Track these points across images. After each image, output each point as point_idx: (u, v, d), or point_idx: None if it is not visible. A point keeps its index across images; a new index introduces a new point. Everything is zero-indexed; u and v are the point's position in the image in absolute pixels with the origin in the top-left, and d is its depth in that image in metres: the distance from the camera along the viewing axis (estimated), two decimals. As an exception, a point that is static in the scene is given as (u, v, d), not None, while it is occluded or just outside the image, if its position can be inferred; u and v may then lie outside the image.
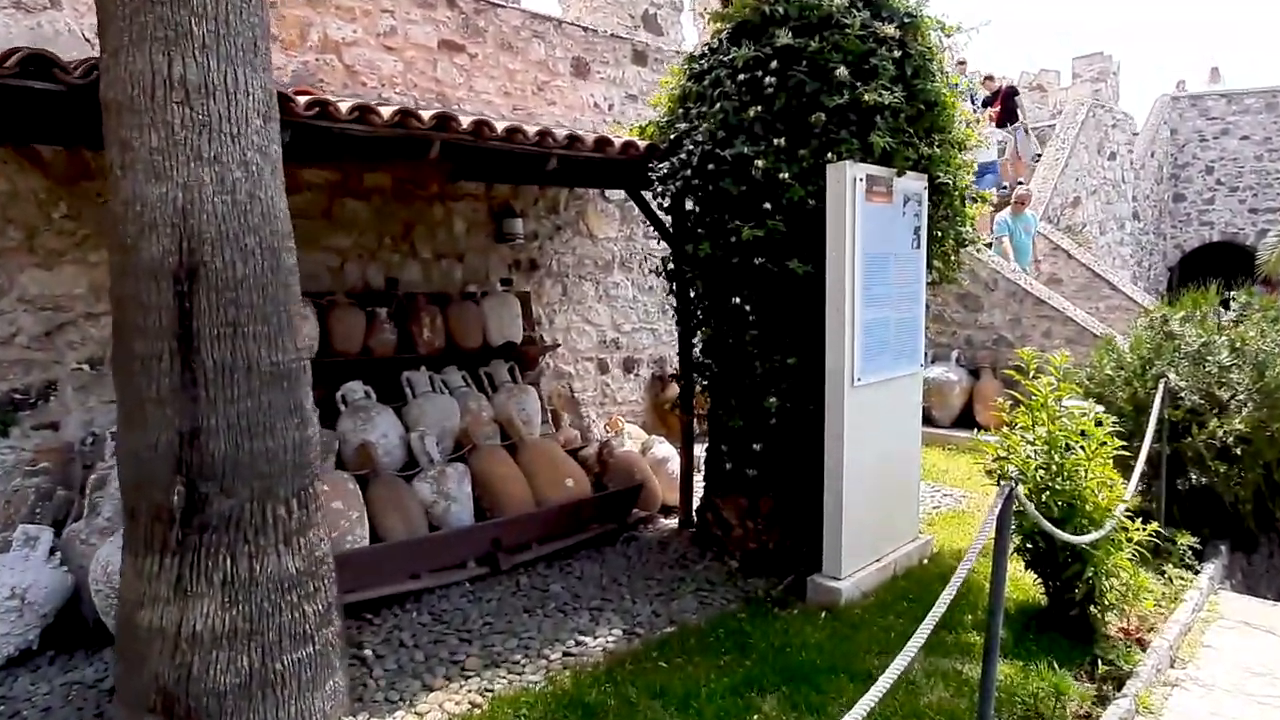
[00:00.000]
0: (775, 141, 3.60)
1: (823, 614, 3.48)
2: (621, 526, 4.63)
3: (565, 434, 5.65)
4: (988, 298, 7.53)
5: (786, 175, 3.56)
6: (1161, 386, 4.21)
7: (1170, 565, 3.93)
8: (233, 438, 2.29)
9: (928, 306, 4.42)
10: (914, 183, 3.87)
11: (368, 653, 3.18)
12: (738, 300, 3.80)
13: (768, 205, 3.63)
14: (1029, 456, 3.26)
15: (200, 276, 2.24)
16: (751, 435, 3.96)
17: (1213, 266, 11.73)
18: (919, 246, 3.97)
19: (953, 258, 4.33)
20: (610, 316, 6.72)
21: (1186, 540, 3.98)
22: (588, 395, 6.57)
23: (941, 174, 3.94)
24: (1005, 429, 3.47)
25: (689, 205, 4.07)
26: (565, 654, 3.19)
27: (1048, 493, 3.16)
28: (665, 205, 4.15)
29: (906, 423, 4.04)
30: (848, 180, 3.47)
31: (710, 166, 3.73)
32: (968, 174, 4.23)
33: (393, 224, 5.35)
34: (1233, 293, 5.17)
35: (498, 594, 3.80)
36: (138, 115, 2.20)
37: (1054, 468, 3.21)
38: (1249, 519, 4.18)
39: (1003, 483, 2.30)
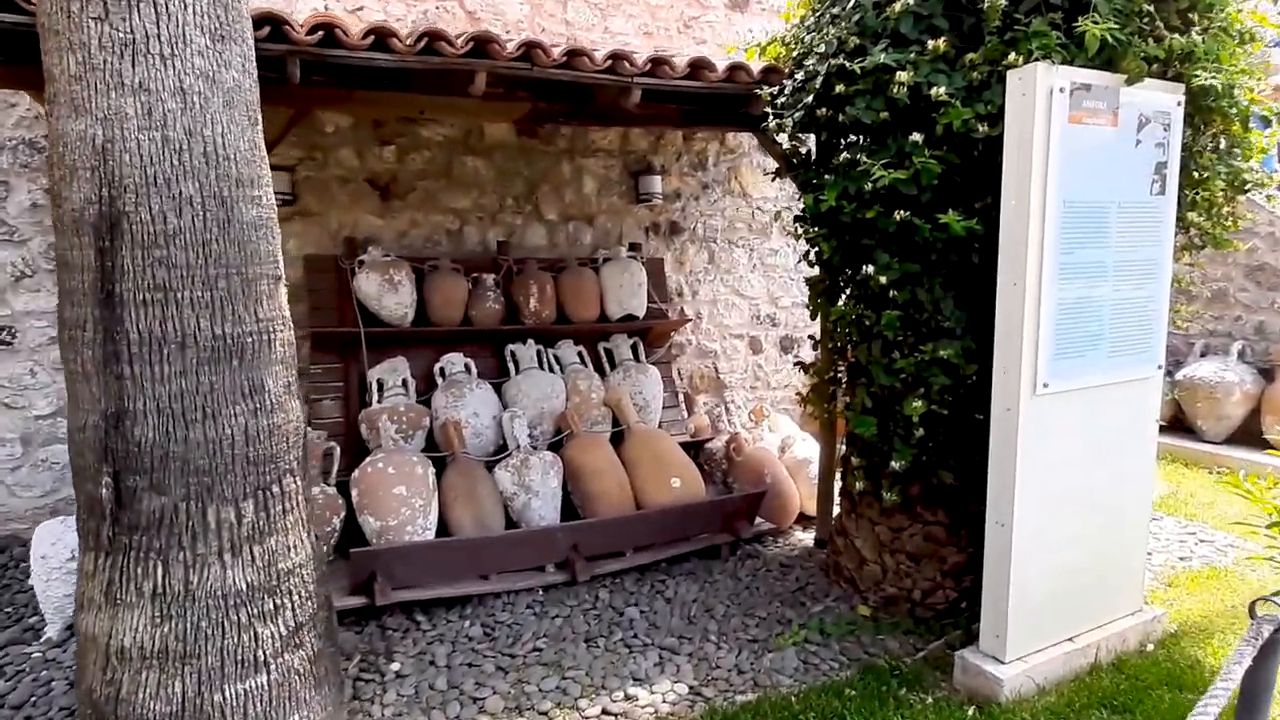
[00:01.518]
0: (929, 44, 2.56)
1: (971, 710, 2.49)
2: (738, 539, 3.86)
3: (696, 422, 4.95)
4: (1294, 270, 5.52)
5: (943, 92, 2.52)
6: None
7: None
8: (163, 424, 1.92)
9: (1178, 280, 3.08)
10: (1157, 95, 2.61)
11: (394, 667, 2.79)
12: (870, 269, 2.83)
13: (915, 137, 2.61)
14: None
15: (123, 230, 1.87)
16: (889, 448, 2.99)
17: None
18: (1163, 191, 2.69)
19: (1225, 209, 2.94)
20: (766, 288, 5.85)
21: None
22: (735, 378, 5.80)
23: (1206, 78, 2.61)
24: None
25: (811, 143, 3.13)
26: (604, 711, 2.55)
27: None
28: (785, 145, 3.25)
29: (1131, 447, 2.81)
30: (1039, 91, 2.37)
31: (838, 87, 2.77)
32: (1255, 81, 2.82)
33: (515, 183, 4.95)
34: None
35: (566, 610, 3.25)
36: (57, 37, 1.86)
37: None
38: None
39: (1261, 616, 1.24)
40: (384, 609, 3.13)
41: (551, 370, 4.44)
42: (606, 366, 4.65)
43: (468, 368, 4.24)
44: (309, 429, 3.89)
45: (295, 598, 2.16)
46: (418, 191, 4.71)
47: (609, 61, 2.93)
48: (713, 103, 3.60)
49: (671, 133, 5.40)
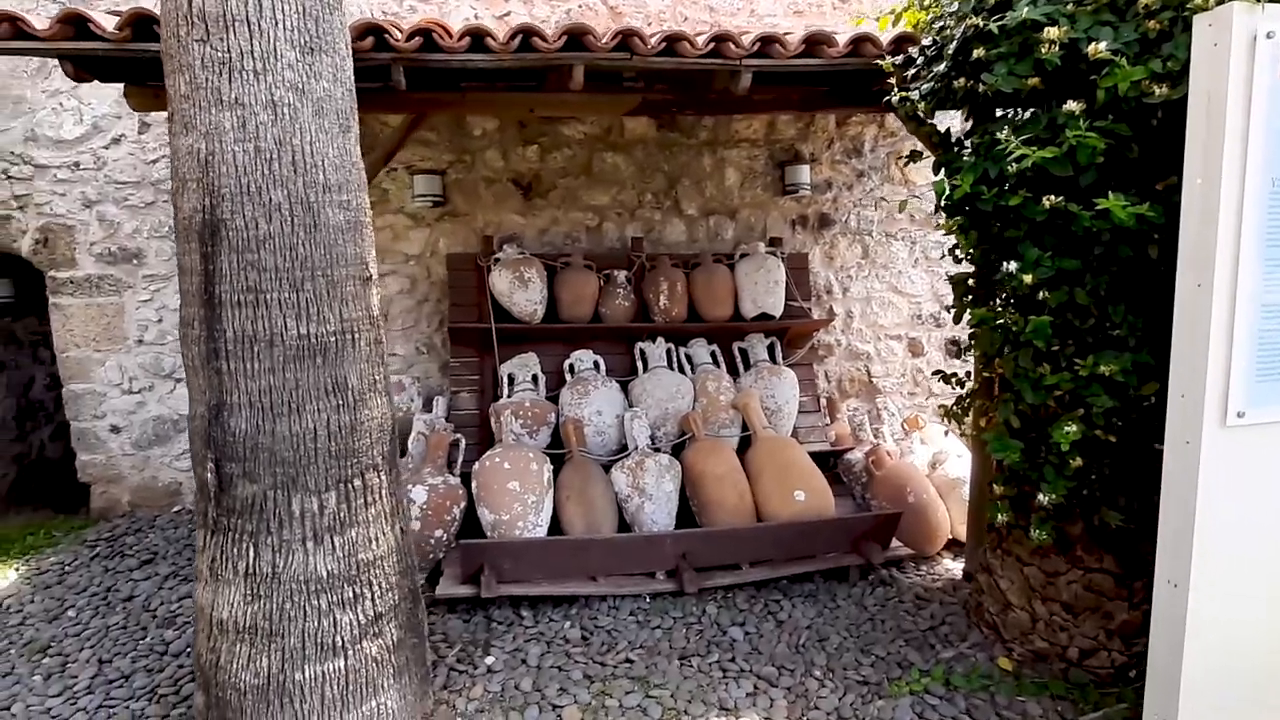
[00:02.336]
0: (1089, -9, 2.10)
1: (1119, 804, 2.04)
2: (869, 563, 3.51)
3: (837, 430, 4.60)
4: None
5: (1106, 48, 2.05)
6: None
7: None
8: (253, 417, 2.06)
9: None
10: None
11: (489, 660, 2.83)
12: (1014, 267, 2.40)
13: (1071, 106, 2.16)
14: None
15: (221, 236, 2.01)
16: (1036, 477, 2.53)
17: None
18: None
19: None
20: (930, 285, 5.29)
21: None
22: (890, 382, 5.32)
23: None
24: None
25: (954, 122, 2.72)
26: (679, 739, 2.40)
27: None
28: (921, 123, 2.84)
29: (1377, 496, 2.15)
30: (1237, 38, 1.85)
31: (976, 51, 2.37)
32: None
33: (655, 178, 4.87)
34: None
35: (669, 622, 3.13)
36: (171, 60, 2.04)
37: None
38: None
39: None
40: (491, 601, 3.20)
41: (681, 370, 4.32)
42: (740, 367, 4.45)
43: (596, 365, 4.24)
44: (446, 422, 4.10)
45: (375, 588, 2.23)
46: (558, 189, 4.79)
47: (712, 44, 2.74)
48: (842, 81, 3.25)
49: (823, 118, 5.04)
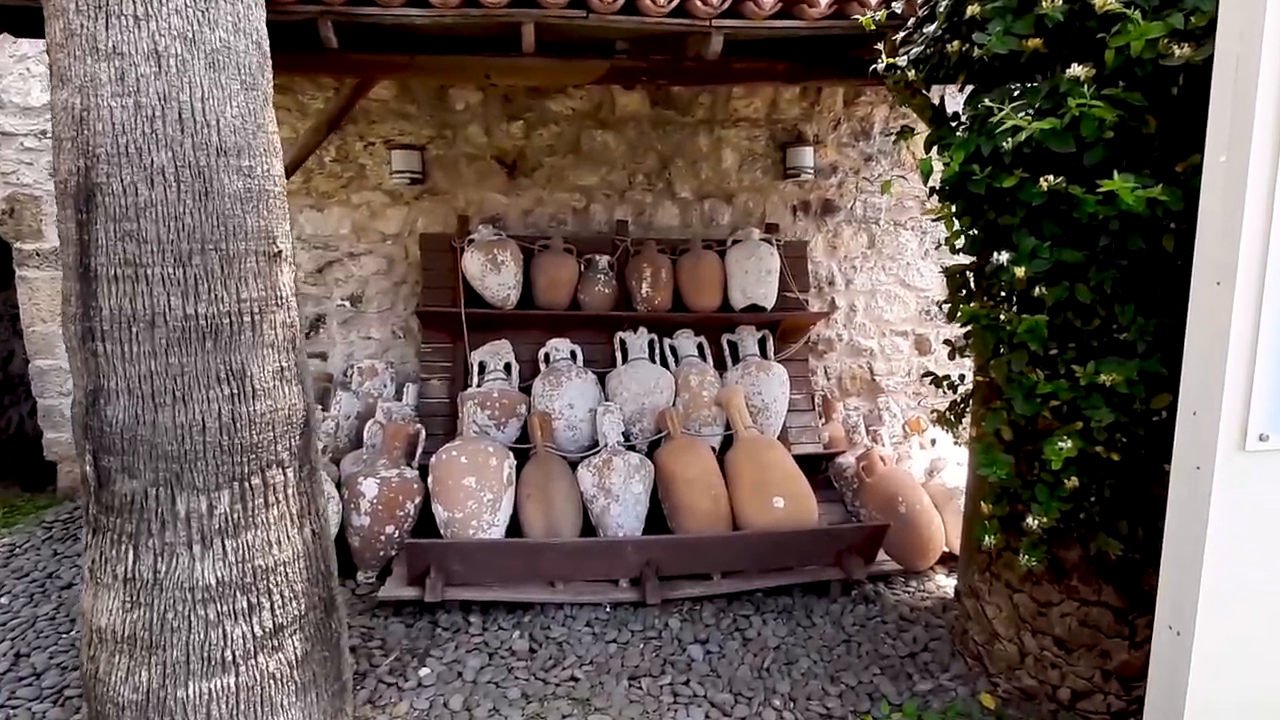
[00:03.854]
0: (1103, -67, 1.79)
1: None
2: (851, 578, 3.23)
3: (832, 431, 4.31)
4: None
5: (1116, 0, 1.74)
6: None
7: None
8: (132, 405, 1.85)
9: None
10: None
11: (423, 673, 2.62)
12: (1006, 258, 2.10)
13: (1076, 70, 1.86)
14: None
15: (97, 202, 1.80)
16: (1028, 496, 2.24)
17: None
18: None
19: None
20: (940, 278, 4.95)
21: None
22: (894, 381, 5.00)
23: None
24: None
25: (949, 93, 2.41)
26: (611, 774, 2.17)
27: None
28: (914, 94, 2.53)
29: None
30: (1277, -12, 1.53)
31: (969, 9, 2.06)
32: None
33: (647, 158, 4.60)
34: None
35: (627, 635, 2.89)
36: (48, 3, 1.82)
37: None
38: None
39: None
40: (440, 605, 2.99)
41: (665, 363, 4.07)
42: (728, 361, 4.17)
43: (574, 355, 4.00)
44: (413, 410, 3.89)
45: (276, 597, 2.02)
46: (544, 168, 4.54)
47: (677, 1, 2.45)
48: (829, 48, 2.94)
49: (830, 96, 4.72)
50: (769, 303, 4.18)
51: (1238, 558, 1.71)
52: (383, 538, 3.21)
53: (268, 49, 2.04)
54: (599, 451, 3.47)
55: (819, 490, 3.82)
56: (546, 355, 4.00)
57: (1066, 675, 2.36)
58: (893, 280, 4.93)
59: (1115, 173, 1.80)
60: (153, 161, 1.80)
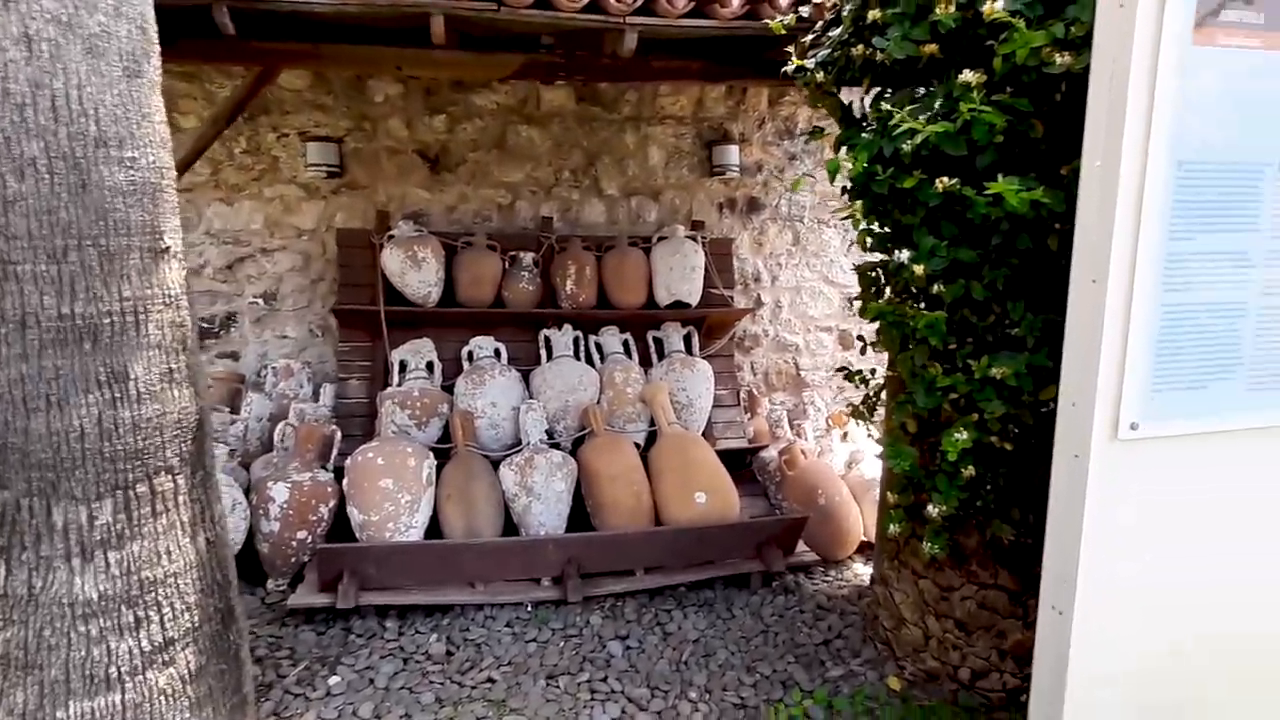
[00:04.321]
0: (987, -53, 1.86)
1: None
2: (770, 570, 3.29)
3: (757, 426, 4.38)
4: None
5: (1001, 8, 1.82)
6: None
7: None
8: (2, 411, 1.74)
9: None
10: (1361, 2, 1.74)
11: (332, 681, 2.55)
12: (907, 256, 2.17)
13: (967, 76, 1.93)
14: None
15: (-42, 196, 1.68)
16: (930, 486, 2.32)
17: None
18: (1361, 148, 1.81)
19: None
20: (862, 275, 5.08)
21: None
22: (819, 376, 5.12)
23: None
24: None
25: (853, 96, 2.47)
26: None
27: None
28: (826, 96, 2.59)
29: (1281, 516, 1.97)
30: (1143, 2, 1.62)
31: (872, 13, 2.12)
32: None
33: (573, 154, 4.58)
34: None
35: (548, 634, 2.88)
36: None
37: None
38: None
39: None
40: (354, 611, 2.91)
41: (590, 360, 4.06)
42: (654, 358, 4.19)
43: (498, 353, 3.95)
44: (330, 411, 3.78)
45: (166, 610, 1.93)
46: (468, 164, 4.47)
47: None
48: (743, 48, 2.98)
49: (755, 96, 4.79)
50: (694, 299, 4.21)
51: (1113, 540, 1.81)
52: (294, 543, 3.11)
53: (154, 34, 1.94)
54: (521, 450, 3.44)
55: (743, 485, 3.89)
56: (470, 353, 3.94)
57: (967, 656, 2.46)
58: (817, 277, 5.04)
59: (1000, 176, 1.87)
60: (23, 152, 1.69)
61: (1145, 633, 1.89)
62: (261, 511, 3.10)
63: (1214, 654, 1.95)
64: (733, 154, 4.65)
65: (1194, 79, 1.67)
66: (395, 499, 3.09)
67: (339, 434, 3.44)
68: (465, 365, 3.90)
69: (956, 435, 2.12)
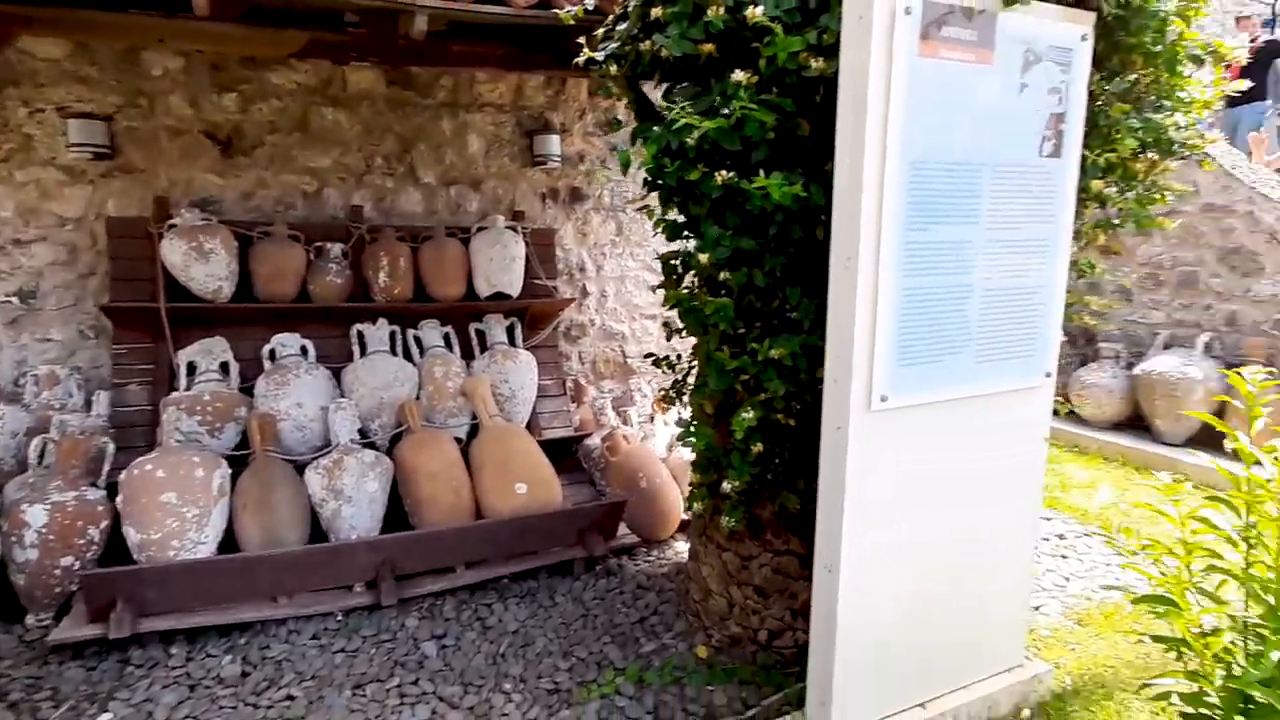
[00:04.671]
0: (750, -51, 1.98)
1: (778, 797, 2.00)
2: (592, 555, 3.35)
3: (583, 415, 4.43)
4: (1273, 255, 4.91)
5: (761, 13, 1.94)
6: None
7: None
8: None
9: (1083, 268, 2.53)
10: (1054, 25, 2.03)
11: (105, 717, 2.31)
12: (694, 245, 2.28)
13: (738, 76, 2.04)
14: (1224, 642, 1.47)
15: None
16: (726, 463, 2.46)
17: None
18: (1058, 153, 2.12)
19: (1147, 177, 2.36)
20: (683, 264, 5.27)
21: None
22: (646, 363, 5.24)
23: (1120, 6, 2.03)
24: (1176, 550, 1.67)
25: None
26: (322, 790, 2.07)
27: None
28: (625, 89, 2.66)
29: (1010, 473, 2.27)
30: (878, 10, 1.79)
31: (654, 10, 2.20)
32: (1194, 12, 2.23)
33: (386, 140, 4.38)
34: None
35: (359, 642, 2.76)
36: None
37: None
38: None
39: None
40: (132, 640, 2.64)
41: (409, 355, 3.91)
42: (476, 350, 4.12)
43: (304, 350, 3.71)
44: (78, 420, 3.38)
45: None
46: (266, 147, 4.15)
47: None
48: (544, 37, 2.99)
49: (575, 86, 4.80)
50: (515, 290, 4.18)
51: (871, 501, 2.00)
52: (58, 572, 2.77)
53: None
54: (329, 451, 3.26)
55: (569, 473, 3.93)
56: (272, 352, 3.67)
57: (765, 619, 2.63)
58: (640, 266, 5.17)
59: (763, 171, 2.00)
60: None
61: (901, 585, 2.11)
62: (14, 539, 2.73)
63: (954, 599, 2.22)
64: (554, 144, 4.65)
65: (921, 87, 1.87)
66: (180, 514, 2.83)
67: (111, 447, 3.09)
68: (267, 365, 3.63)
69: (744, 415, 2.26)
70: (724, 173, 2.12)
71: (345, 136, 4.29)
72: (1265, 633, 1.42)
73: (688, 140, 2.18)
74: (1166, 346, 5.23)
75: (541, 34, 2.93)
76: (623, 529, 3.59)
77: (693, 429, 2.49)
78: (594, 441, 4.00)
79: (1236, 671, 1.42)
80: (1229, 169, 5.08)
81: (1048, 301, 2.21)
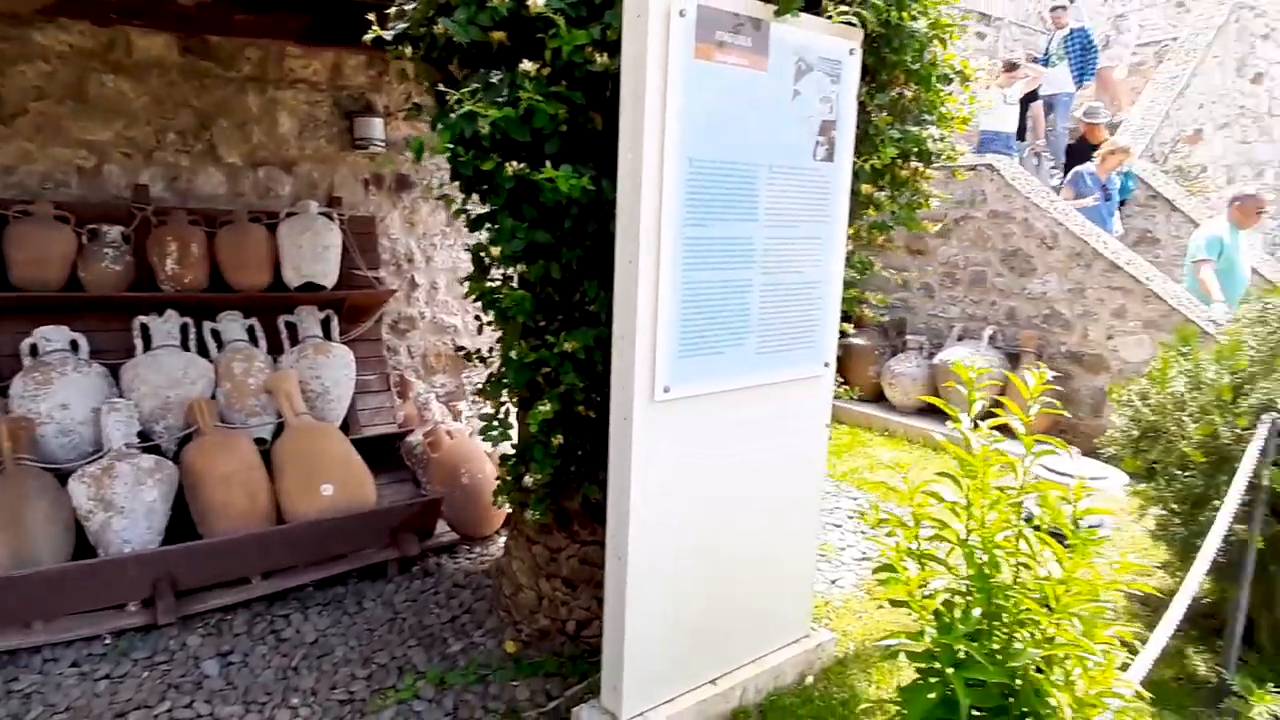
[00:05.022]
0: (533, -64, 1.97)
1: (569, 785, 2.02)
2: (404, 555, 3.23)
3: (408, 410, 4.27)
4: (1043, 257, 5.56)
5: (543, 4, 1.94)
6: (1266, 426, 2.41)
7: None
8: None
9: (861, 266, 2.73)
10: (824, 38, 2.16)
11: None
12: (486, 237, 2.25)
13: (526, 66, 2.02)
14: (943, 599, 1.64)
15: None
16: (530, 456, 2.45)
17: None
18: (830, 157, 2.27)
19: (910, 181, 2.58)
20: (518, 256, 5.20)
21: (1271, 705, 2.26)
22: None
23: (882, 25, 2.20)
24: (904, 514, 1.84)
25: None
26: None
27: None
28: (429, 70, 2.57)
29: (793, 457, 2.41)
30: (654, 11, 1.83)
31: (439, -7, 2.14)
32: (949, 35, 2.46)
33: (180, 114, 3.99)
34: None
35: (128, 666, 2.51)
36: None
37: (986, 617, 1.58)
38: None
39: None
40: None
41: (204, 350, 3.60)
42: (286, 344, 3.85)
43: (74, 345, 3.31)
44: None
45: None
46: (31, 115, 3.66)
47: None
48: (346, 12, 2.84)
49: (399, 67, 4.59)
50: (329, 280, 3.95)
51: (657, 490, 2.05)
52: None
53: None
54: (99, 458, 2.93)
55: (393, 472, 3.78)
56: (34, 347, 3.25)
57: (573, 610, 2.65)
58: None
59: (551, 163, 2.00)
60: None
61: (690, 569, 2.19)
62: None
63: (743, 578, 2.33)
64: (376, 127, 4.44)
65: (698, 88, 1.93)
66: (-99, 534, 2.44)
67: None
68: (26, 361, 3.21)
69: (541, 408, 2.25)
70: (515, 164, 2.10)
71: (131, 107, 3.87)
72: (975, 592, 1.60)
73: (481, 129, 2.14)
74: (960, 338, 5.80)
75: (342, 8, 2.76)
76: (444, 527, 3.50)
77: (496, 423, 2.45)
78: (415, 438, 3.86)
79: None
80: (1009, 180, 5.69)
81: (825, 296, 2.37)
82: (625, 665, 2.09)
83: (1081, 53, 7.30)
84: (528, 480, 2.39)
